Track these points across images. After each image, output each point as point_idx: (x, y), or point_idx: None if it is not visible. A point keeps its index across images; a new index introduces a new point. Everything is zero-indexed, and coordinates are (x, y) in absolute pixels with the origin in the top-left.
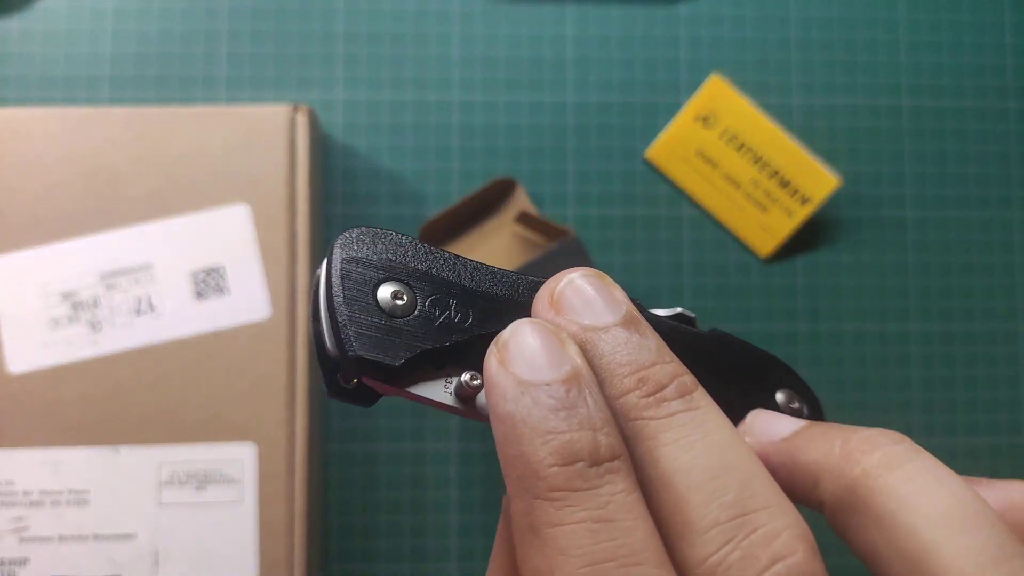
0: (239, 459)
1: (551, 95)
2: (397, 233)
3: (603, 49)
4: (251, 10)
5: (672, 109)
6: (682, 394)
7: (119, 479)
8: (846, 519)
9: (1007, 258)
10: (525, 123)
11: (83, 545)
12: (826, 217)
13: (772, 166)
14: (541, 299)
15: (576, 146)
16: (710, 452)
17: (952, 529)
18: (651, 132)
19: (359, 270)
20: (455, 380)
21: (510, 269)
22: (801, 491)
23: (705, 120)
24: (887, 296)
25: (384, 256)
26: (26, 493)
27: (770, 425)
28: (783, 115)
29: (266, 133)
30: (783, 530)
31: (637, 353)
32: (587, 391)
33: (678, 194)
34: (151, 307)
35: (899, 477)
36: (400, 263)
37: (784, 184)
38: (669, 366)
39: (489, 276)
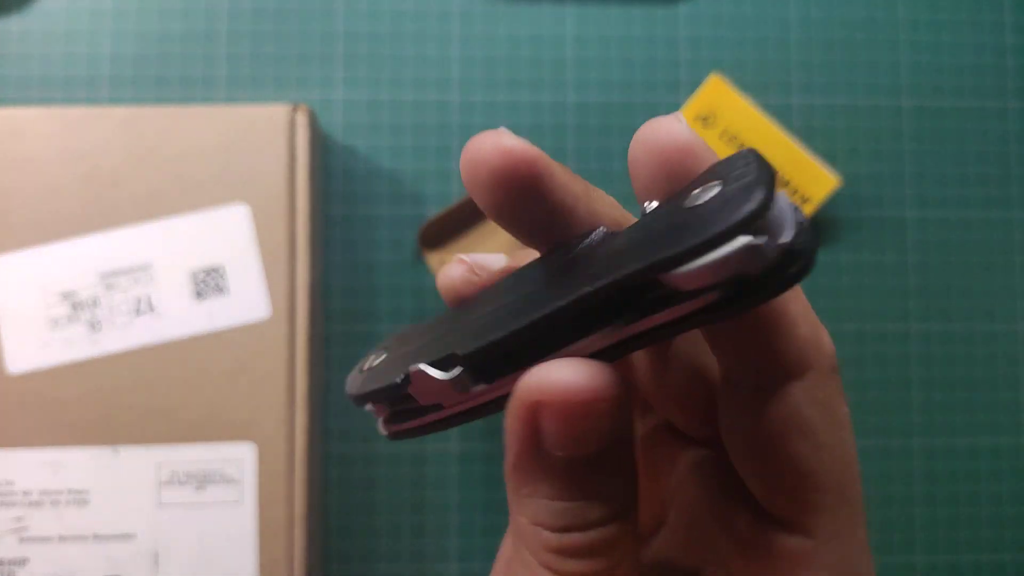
0: (239, 459)
1: (551, 95)
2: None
3: (603, 49)
4: (251, 10)
5: (672, 109)
6: None
7: (119, 479)
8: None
9: (1007, 258)
10: (525, 123)
11: (83, 545)
12: (826, 217)
13: None
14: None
15: (576, 146)
16: None
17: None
18: None
19: None
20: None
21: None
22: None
23: (705, 120)
24: (887, 296)
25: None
26: (26, 493)
27: None
28: (783, 115)
29: (266, 133)
30: None
31: None
32: None
33: None
34: (151, 307)
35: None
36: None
37: (784, 184)
38: None
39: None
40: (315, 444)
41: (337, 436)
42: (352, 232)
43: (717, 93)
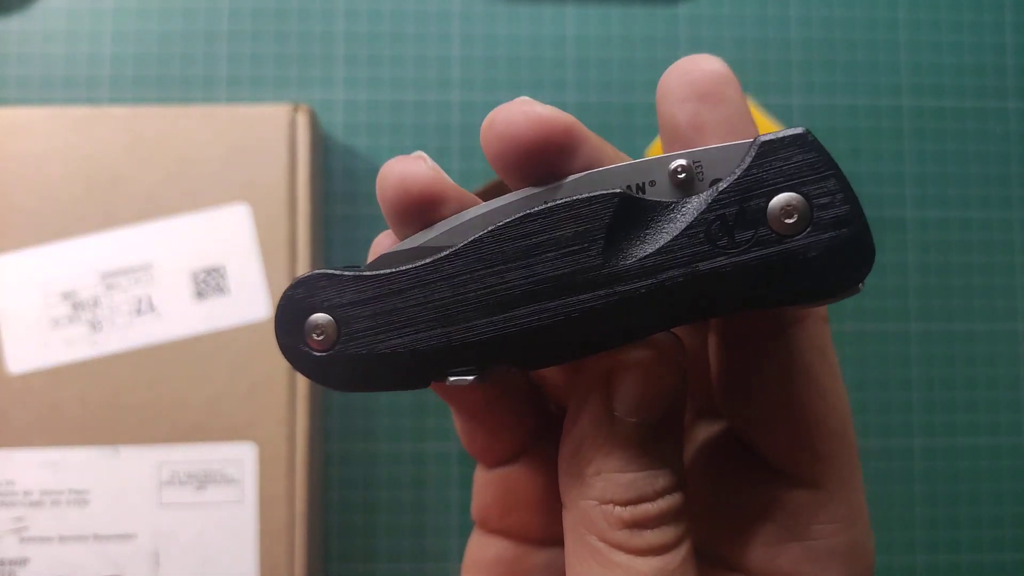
0: (239, 459)
1: (551, 95)
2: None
3: (603, 49)
4: (251, 10)
5: None
6: None
7: (119, 479)
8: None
9: (1007, 258)
10: None
11: (83, 545)
12: None
13: None
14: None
15: None
16: None
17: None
18: (651, 132)
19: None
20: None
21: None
22: None
23: None
24: (887, 296)
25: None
26: (26, 493)
27: None
28: (783, 115)
29: (266, 133)
30: None
31: None
32: None
33: None
34: (151, 307)
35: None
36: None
37: None
38: None
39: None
40: (315, 444)
41: (337, 436)
42: (352, 232)
43: None
